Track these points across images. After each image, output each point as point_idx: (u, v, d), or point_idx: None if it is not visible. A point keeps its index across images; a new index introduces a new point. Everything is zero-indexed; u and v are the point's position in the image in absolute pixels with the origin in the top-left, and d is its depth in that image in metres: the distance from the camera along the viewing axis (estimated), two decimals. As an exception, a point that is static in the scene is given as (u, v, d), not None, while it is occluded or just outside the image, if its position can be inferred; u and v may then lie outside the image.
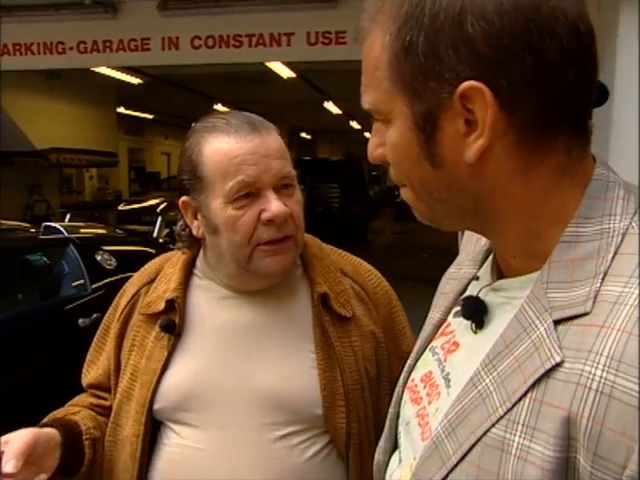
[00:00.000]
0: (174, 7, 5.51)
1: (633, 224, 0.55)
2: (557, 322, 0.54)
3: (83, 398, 1.15)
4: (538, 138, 0.57)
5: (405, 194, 0.65)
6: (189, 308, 1.06)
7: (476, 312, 0.67)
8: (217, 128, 0.98)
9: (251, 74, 8.72)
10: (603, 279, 0.53)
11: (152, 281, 1.10)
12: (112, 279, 4.19)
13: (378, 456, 0.81)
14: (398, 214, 16.98)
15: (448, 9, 0.53)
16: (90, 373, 1.16)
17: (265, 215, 0.96)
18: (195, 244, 1.08)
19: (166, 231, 6.08)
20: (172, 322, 1.02)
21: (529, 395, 0.53)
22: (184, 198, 1.03)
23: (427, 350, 0.76)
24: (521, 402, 0.53)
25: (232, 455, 0.98)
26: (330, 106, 13.68)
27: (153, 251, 5.02)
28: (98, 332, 1.17)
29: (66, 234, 4.30)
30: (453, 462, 0.58)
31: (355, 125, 19.22)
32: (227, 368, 1.03)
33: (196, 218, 1.02)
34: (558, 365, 0.51)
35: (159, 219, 5.98)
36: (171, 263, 1.11)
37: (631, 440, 0.45)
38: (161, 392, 1.02)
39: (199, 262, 1.10)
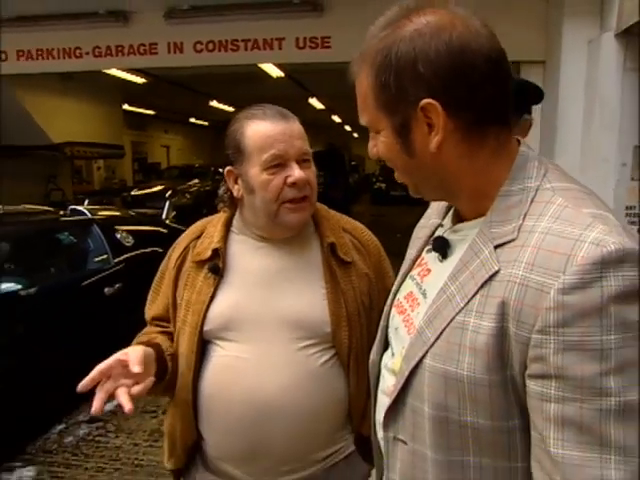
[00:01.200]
0: (179, 16, 5.56)
1: (543, 183, 0.75)
2: (496, 247, 0.73)
3: (152, 328, 1.33)
4: (476, 132, 0.76)
5: (398, 176, 0.84)
6: (228, 256, 1.25)
7: (442, 247, 0.86)
8: (255, 115, 1.20)
9: (244, 74, 8.78)
10: (524, 218, 0.72)
11: (198, 237, 1.30)
12: (130, 254, 4.39)
13: (372, 356, 0.99)
14: (374, 199, 17.14)
15: (407, 58, 0.72)
16: (152, 309, 1.35)
17: (290, 179, 1.16)
18: (232, 205, 1.28)
19: (173, 213, 6.23)
20: (217, 266, 1.22)
21: (479, 293, 0.72)
22: (229, 168, 1.23)
23: (407, 278, 0.95)
24: (474, 298, 0.72)
25: (264, 361, 1.18)
26: (314, 102, 13.65)
27: (165, 231, 5.21)
28: (155, 280, 1.36)
29: (89, 216, 4.47)
30: (431, 341, 0.76)
31: (336, 119, 19.26)
32: (259, 299, 1.21)
33: (237, 183, 1.22)
34: (496, 272, 0.71)
35: (167, 203, 6.11)
36: (212, 224, 1.31)
37: (538, 310, 0.64)
38: (209, 317, 1.21)
39: (235, 221, 1.29)
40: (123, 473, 2.93)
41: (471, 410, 0.72)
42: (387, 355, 0.95)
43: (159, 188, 8.07)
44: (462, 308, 0.74)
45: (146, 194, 7.60)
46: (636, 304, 0.62)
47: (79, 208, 4.47)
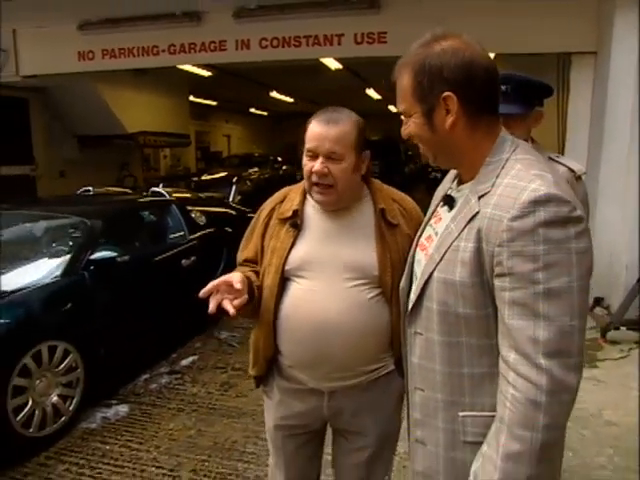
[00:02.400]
0: (246, 15, 6.06)
1: (512, 156, 1.13)
2: (479, 197, 1.11)
3: (243, 268, 1.74)
4: (475, 118, 1.14)
5: (422, 150, 1.22)
6: (304, 215, 1.64)
7: (449, 202, 1.25)
8: (316, 116, 1.59)
9: (304, 66, 9.15)
10: (497, 178, 1.10)
11: (282, 201, 1.71)
12: (203, 232, 4.92)
13: (402, 284, 1.39)
14: (430, 189, 17.18)
15: (436, 67, 1.12)
16: (244, 253, 1.77)
17: (312, 169, 1.56)
18: None
19: (238, 197, 6.75)
20: (296, 222, 1.63)
21: (467, 226, 1.11)
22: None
23: (427, 226, 1.34)
24: (463, 230, 1.12)
25: (327, 293, 1.58)
26: (371, 92, 13.99)
27: (233, 212, 5.72)
28: (246, 233, 1.78)
29: (168, 197, 5.02)
30: (437, 261, 1.17)
31: (392, 109, 19.41)
32: (325, 248, 1.60)
33: None
34: (477, 212, 1.10)
35: (233, 188, 6.62)
36: (293, 191, 1.72)
37: (498, 233, 1.03)
38: (288, 260, 1.60)
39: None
40: (199, 414, 3.44)
41: (462, 304, 1.13)
42: (414, 281, 1.31)
43: (224, 174, 8.65)
44: (456, 237, 1.14)
45: (213, 179, 8.18)
46: (557, 228, 1.01)
47: (159, 190, 5.03)
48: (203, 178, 8.32)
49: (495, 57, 6.47)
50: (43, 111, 9.44)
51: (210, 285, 1.49)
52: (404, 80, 1.17)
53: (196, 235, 4.76)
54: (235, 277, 1.50)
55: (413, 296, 1.26)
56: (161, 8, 6.28)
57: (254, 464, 2.88)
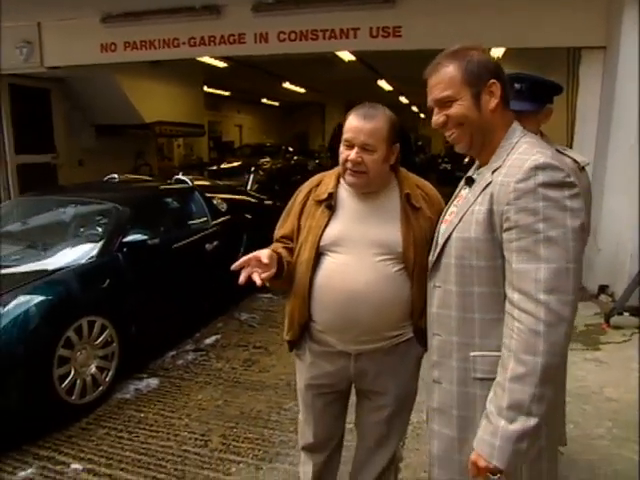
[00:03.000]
0: (265, 9, 6.25)
1: (520, 140, 1.41)
2: (493, 171, 1.39)
3: (277, 244, 1.95)
4: (504, 104, 1.43)
5: (458, 132, 1.44)
6: (338, 198, 1.86)
7: (470, 182, 1.52)
8: (354, 111, 1.81)
9: (318, 58, 9.30)
10: (507, 156, 1.38)
11: (317, 185, 1.94)
12: (225, 218, 5.15)
13: (430, 258, 1.61)
14: (440, 179, 17.38)
15: (482, 60, 1.42)
16: (281, 231, 1.98)
17: (347, 157, 1.78)
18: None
19: (256, 186, 6.98)
20: (331, 204, 1.85)
21: (481, 194, 1.39)
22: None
23: (451, 205, 1.59)
24: (478, 197, 1.40)
25: (356, 266, 1.79)
26: (383, 84, 14.12)
27: (252, 200, 5.94)
28: (284, 212, 2.00)
29: (191, 184, 5.25)
30: (455, 223, 1.45)
31: (404, 100, 19.54)
32: (356, 227, 1.82)
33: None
34: (490, 182, 1.37)
35: (251, 176, 6.84)
36: (328, 176, 1.94)
37: (505, 194, 1.31)
38: (323, 237, 1.82)
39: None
40: (225, 387, 3.69)
41: (476, 257, 1.39)
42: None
43: (238, 164, 8.91)
44: (472, 202, 1.43)
45: (232, 167, 8.46)
46: (553, 189, 1.28)
47: (182, 177, 5.26)
48: (222, 167, 8.57)
49: (506, 51, 6.65)
50: (64, 101, 9.69)
51: (242, 260, 1.70)
52: (450, 71, 1.42)
53: (218, 221, 4.99)
54: (263, 253, 1.72)
55: (434, 256, 1.53)
56: (181, 2, 6.49)
57: (278, 430, 3.12)
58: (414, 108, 23.60)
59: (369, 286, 1.79)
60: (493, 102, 1.41)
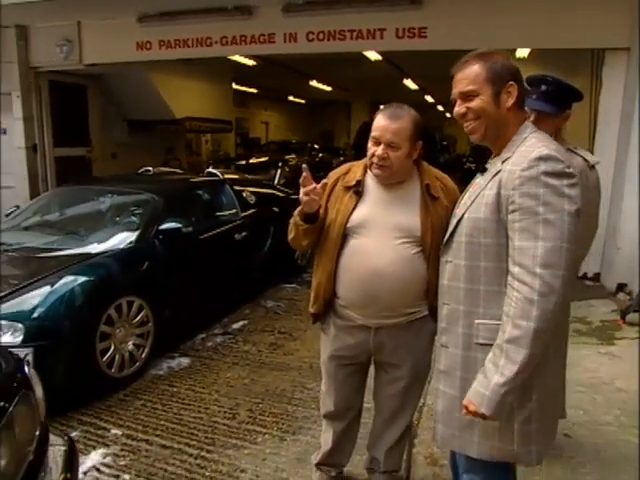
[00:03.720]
0: (294, 10, 6.46)
1: (529, 135, 1.60)
2: (503, 161, 1.59)
3: None
4: (519, 104, 1.63)
5: (475, 123, 1.63)
6: (365, 185, 2.07)
7: (483, 170, 1.71)
8: (381, 111, 2.02)
9: (345, 57, 9.44)
10: (517, 148, 1.58)
11: (345, 173, 2.14)
12: (253, 210, 5.38)
13: (443, 240, 1.83)
14: (464, 178, 17.34)
15: (506, 64, 1.62)
16: None
17: (374, 152, 1.99)
18: None
19: (282, 181, 7.21)
20: (358, 190, 2.06)
21: (491, 180, 1.60)
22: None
23: (466, 192, 1.77)
24: (489, 183, 1.60)
25: (379, 247, 1.99)
26: (408, 82, 14.23)
27: (280, 194, 6.17)
28: None
29: (222, 177, 5.50)
30: (468, 205, 1.66)
31: (429, 99, 19.57)
32: (379, 213, 2.02)
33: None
34: (500, 170, 1.58)
35: (279, 171, 7.08)
36: (356, 166, 2.14)
37: (512, 181, 1.51)
38: (350, 220, 2.02)
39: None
40: (252, 367, 3.93)
41: (484, 235, 1.59)
42: None
43: (265, 159, 9.20)
44: (483, 187, 1.63)
45: (260, 162, 8.74)
46: (554, 178, 1.47)
47: (214, 171, 5.51)
48: (251, 161, 8.86)
49: (531, 51, 6.74)
50: (99, 97, 10.06)
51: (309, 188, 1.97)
52: (476, 69, 1.63)
53: (247, 213, 5.23)
54: (320, 185, 2.00)
55: (448, 234, 1.74)
56: (215, 2, 6.74)
57: (301, 407, 3.34)
58: (440, 107, 23.57)
59: (390, 266, 1.99)
60: (510, 101, 1.61)
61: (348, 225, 2.04)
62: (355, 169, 2.14)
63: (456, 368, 1.70)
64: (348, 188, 2.09)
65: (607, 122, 5.75)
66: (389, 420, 2.33)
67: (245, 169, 9.33)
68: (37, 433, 1.70)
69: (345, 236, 2.05)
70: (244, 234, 5.03)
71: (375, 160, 1.99)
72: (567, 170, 1.50)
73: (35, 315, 3.16)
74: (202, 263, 4.47)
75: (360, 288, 2.03)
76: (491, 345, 1.57)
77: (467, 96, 1.64)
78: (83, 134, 9.71)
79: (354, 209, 2.05)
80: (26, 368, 1.89)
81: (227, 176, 5.79)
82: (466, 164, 17.68)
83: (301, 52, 6.78)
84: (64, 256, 3.73)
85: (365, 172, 2.11)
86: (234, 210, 5.14)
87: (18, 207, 5.01)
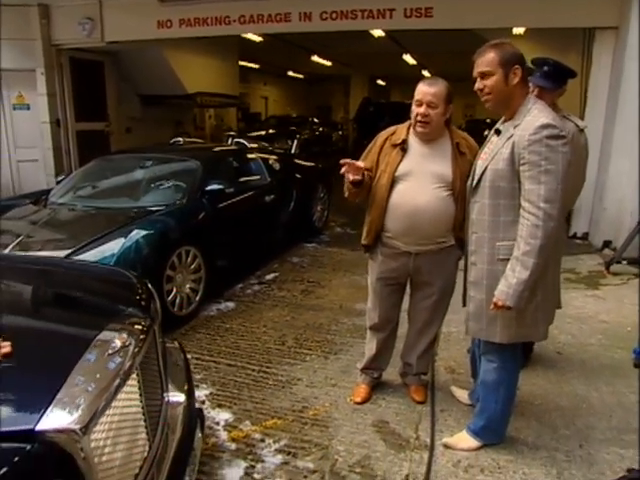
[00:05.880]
0: (310, -10, 6.97)
1: (533, 106, 2.21)
2: (514, 127, 2.21)
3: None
4: (523, 82, 2.24)
5: (490, 96, 2.23)
6: (409, 143, 2.66)
7: (498, 132, 2.33)
8: (422, 81, 2.60)
9: (349, 33, 9.85)
10: (524, 116, 2.20)
11: (392, 134, 2.73)
12: (279, 176, 5.97)
13: (468, 183, 2.45)
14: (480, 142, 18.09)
15: (514, 52, 2.22)
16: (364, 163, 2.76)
17: (417, 111, 2.58)
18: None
19: (298, 151, 7.78)
20: (403, 147, 2.65)
21: (506, 142, 2.22)
22: None
23: (485, 147, 2.40)
24: (505, 143, 2.22)
25: (420, 190, 2.57)
26: (407, 58, 14.66)
27: (300, 162, 6.75)
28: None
29: (248, 146, 6.06)
30: (489, 159, 2.27)
31: (426, 73, 19.96)
32: (420, 164, 2.61)
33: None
34: (512, 134, 2.20)
35: (295, 141, 7.65)
36: (400, 128, 2.71)
37: (523, 142, 2.13)
38: (398, 169, 2.61)
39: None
40: (290, 308, 4.56)
41: (502, 180, 2.20)
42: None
43: (273, 132, 9.75)
44: (501, 147, 2.22)
45: (271, 134, 9.28)
46: (552, 140, 2.09)
47: (241, 141, 6.07)
48: (261, 133, 9.44)
49: (526, 30, 7.27)
50: (114, 73, 10.46)
51: (346, 160, 2.58)
52: (492, 55, 2.21)
53: (274, 178, 5.81)
54: (359, 163, 2.62)
55: (474, 182, 2.34)
56: (233, -18, 7.17)
57: (338, 336, 3.99)
58: (480, 77, 23.96)
59: (428, 204, 2.60)
60: (516, 79, 2.19)
61: (396, 174, 2.65)
62: (400, 130, 2.73)
63: (483, 278, 2.33)
64: (395, 145, 2.69)
65: (596, 95, 6.34)
66: (421, 330, 2.98)
67: (257, 140, 9.88)
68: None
69: (393, 182, 2.66)
70: (272, 197, 5.63)
71: (419, 118, 2.58)
72: (561, 134, 2.11)
73: (114, 260, 3.74)
74: (241, 220, 5.06)
75: (405, 221, 2.64)
76: (508, 259, 2.20)
77: (484, 75, 2.23)
78: (101, 109, 10.14)
79: (400, 161, 2.65)
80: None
81: (252, 145, 6.36)
82: (485, 130, 18.41)
83: (315, 30, 7.23)
84: (128, 213, 4.31)
85: (408, 133, 2.70)
86: (263, 175, 5.72)
87: (66, 175, 5.56)
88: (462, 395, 3.06)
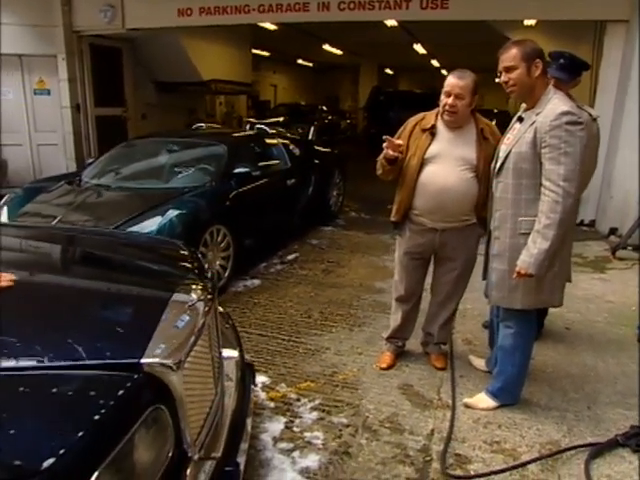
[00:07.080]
0: (329, -19, 7.15)
1: (554, 96, 2.46)
2: (536, 114, 2.47)
3: None
4: (544, 74, 2.49)
5: (514, 88, 2.48)
6: (437, 128, 2.89)
7: (520, 119, 2.58)
8: (451, 74, 2.81)
9: (363, 23, 10.01)
10: (546, 105, 2.45)
11: (422, 120, 2.95)
12: (299, 161, 6.20)
13: (492, 165, 2.70)
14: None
15: (534, 49, 2.47)
16: None
17: (446, 102, 2.80)
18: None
19: (314, 137, 7.98)
20: (432, 132, 2.88)
21: (529, 128, 2.48)
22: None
23: (508, 133, 2.65)
24: (528, 128, 2.48)
25: (447, 172, 2.82)
26: (418, 47, 14.78)
27: (318, 148, 6.98)
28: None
29: (269, 132, 6.29)
30: (513, 143, 2.53)
31: (435, 63, 20.11)
32: (447, 147, 2.84)
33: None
34: (535, 121, 2.46)
35: (312, 128, 7.85)
36: (429, 114, 2.94)
37: (544, 127, 2.39)
38: (427, 152, 2.85)
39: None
40: (313, 285, 4.82)
41: (524, 162, 2.46)
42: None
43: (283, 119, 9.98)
44: (524, 132, 2.47)
45: (283, 121, 9.52)
46: (571, 125, 2.35)
47: (263, 127, 6.29)
48: (275, 120, 9.71)
49: (537, 22, 7.44)
50: (131, 59, 10.66)
51: (389, 138, 2.84)
52: (515, 51, 2.45)
53: (294, 163, 6.05)
54: (399, 141, 2.87)
55: (498, 164, 2.58)
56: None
57: (361, 310, 4.25)
58: (444, 71, 23.99)
59: (454, 185, 2.85)
60: (537, 72, 2.44)
61: (425, 156, 2.88)
62: (429, 116, 2.96)
63: (506, 250, 2.58)
64: (424, 130, 2.92)
65: (606, 87, 6.54)
66: (443, 301, 3.23)
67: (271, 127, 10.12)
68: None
69: (422, 164, 2.90)
70: (293, 180, 5.87)
71: (447, 108, 2.81)
72: (579, 120, 2.36)
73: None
74: (264, 202, 5.30)
75: (432, 200, 2.89)
76: (529, 233, 2.45)
77: (509, 69, 2.46)
78: (119, 95, 10.36)
79: (429, 145, 2.89)
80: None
81: (272, 131, 6.58)
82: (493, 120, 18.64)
83: (333, 20, 7.42)
84: (161, 193, 4.56)
85: (436, 119, 2.93)
86: (284, 160, 5.95)
87: (96, 158, 5.80)
88: (479, 363, 3.32)
